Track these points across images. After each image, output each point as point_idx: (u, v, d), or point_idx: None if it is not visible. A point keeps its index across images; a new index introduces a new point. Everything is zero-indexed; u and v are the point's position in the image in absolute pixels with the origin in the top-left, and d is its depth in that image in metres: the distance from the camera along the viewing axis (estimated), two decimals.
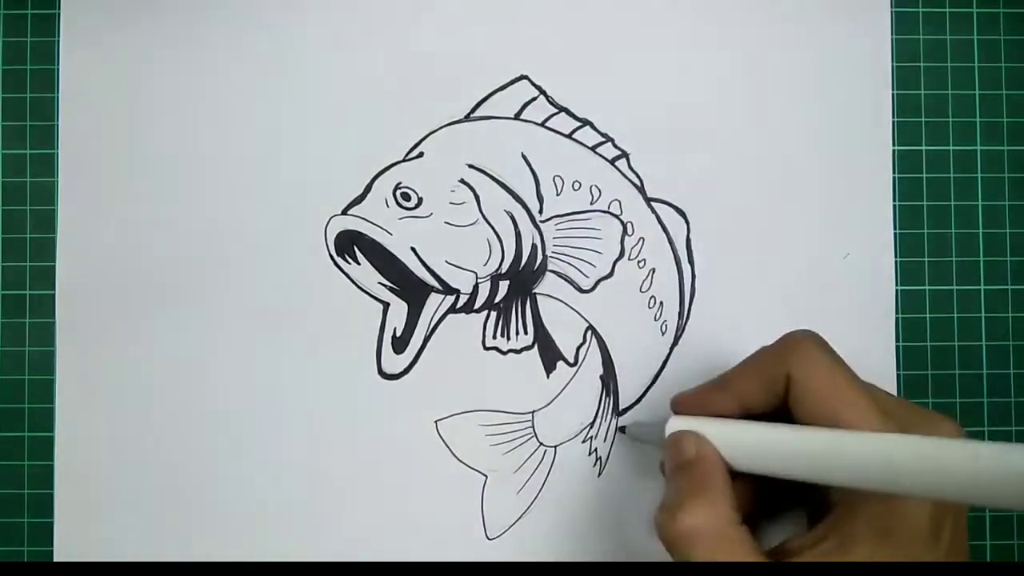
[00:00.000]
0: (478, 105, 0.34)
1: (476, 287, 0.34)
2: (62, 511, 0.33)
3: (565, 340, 0.34)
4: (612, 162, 0.34)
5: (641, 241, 0.34)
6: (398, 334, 0.34)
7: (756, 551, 0.24)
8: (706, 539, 0.25)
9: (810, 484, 0.26)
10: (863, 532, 0.24)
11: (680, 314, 0.34)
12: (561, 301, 0.34)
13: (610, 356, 0.34)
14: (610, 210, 0.34)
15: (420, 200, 0.34)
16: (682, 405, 0.29)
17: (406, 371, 0.34)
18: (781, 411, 0.26)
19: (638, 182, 0.34)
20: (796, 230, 0.34)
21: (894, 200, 0.35)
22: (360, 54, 0.34)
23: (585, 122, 0.34)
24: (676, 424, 0.27)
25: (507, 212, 0.34)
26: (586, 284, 0.34)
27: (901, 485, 0.22)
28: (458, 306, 0.34)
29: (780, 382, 0.26)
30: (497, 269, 0.34)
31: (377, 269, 0.34)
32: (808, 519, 0.29)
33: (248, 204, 0.34)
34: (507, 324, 0.34)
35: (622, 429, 0.33)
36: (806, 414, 0.25)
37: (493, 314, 0.34)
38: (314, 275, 0.34)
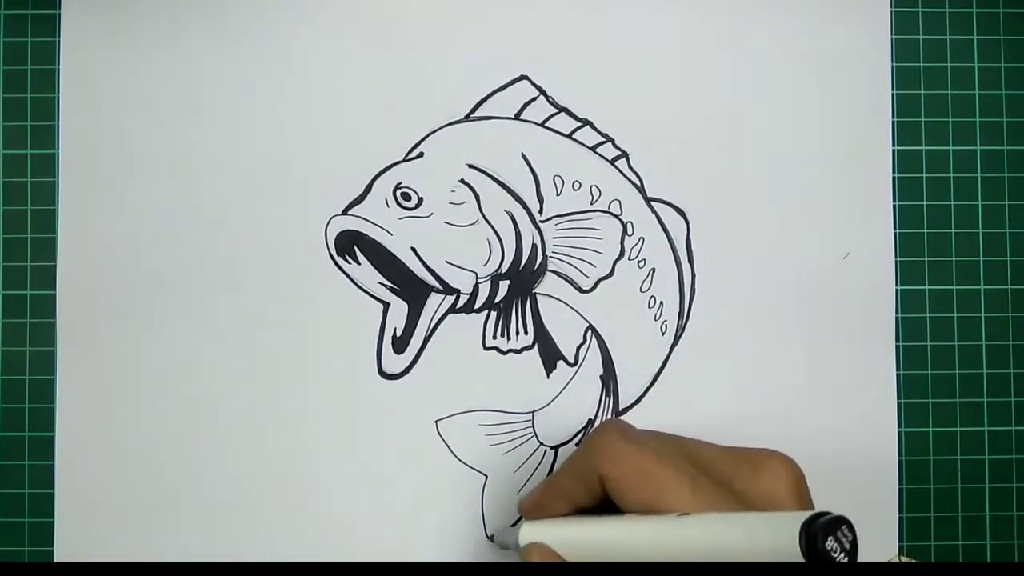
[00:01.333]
0: (478, 105, 0.34)
1: (476, 287, 0.34)
2: (62, 511, 0.33)
3: (565, 340, 0.34)
4: (612, 162, 0.34)
5: (641, 241, 0.34)
6: (398, 334, 0.34)
7: None
8: None
9: None
10: None
11: (680, 314, 0.34)
12: (561, 301, 0.34)
13: (610, 356, 0.34)
14: (610, 210, 0.34)
15: (420, 200, 0.34)
16: (526, 511, 0.29)
17: (406, 371, 0.34)
18: (611, 502, 0.27)
19: (638, 182, 0.34)
20: (796, 230, 0.34)
21: (894, 200, 0.35)
22: (360, 54, 0.34)
23: (585, 122, 0.34)
24: (524, 533, 0.29)
25: (507, 212, 0.34)
26: (586, 284, 0.34)
27: (704, 560, 0.23)
28: (458, 306, 0.34)
29: (595, 480, 0.26)
30: (497, 269, 0.34)
31: (377, 269, 0.34)
32: None
33: (248, 204, 0.34)
34: (507, 324, 0.34)
35: (490, 538, 0.33)
36: (626, 505, 0.26)
37: (493, 314, 0.34)
38: (314, 275, 0.34)
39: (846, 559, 0.20)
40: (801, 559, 0.20)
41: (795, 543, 0.20)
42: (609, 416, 0.34)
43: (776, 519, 0.21)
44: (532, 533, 0.28)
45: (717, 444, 0.27)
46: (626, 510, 0.26)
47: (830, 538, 0.20)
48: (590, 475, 0.26)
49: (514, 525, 0.31)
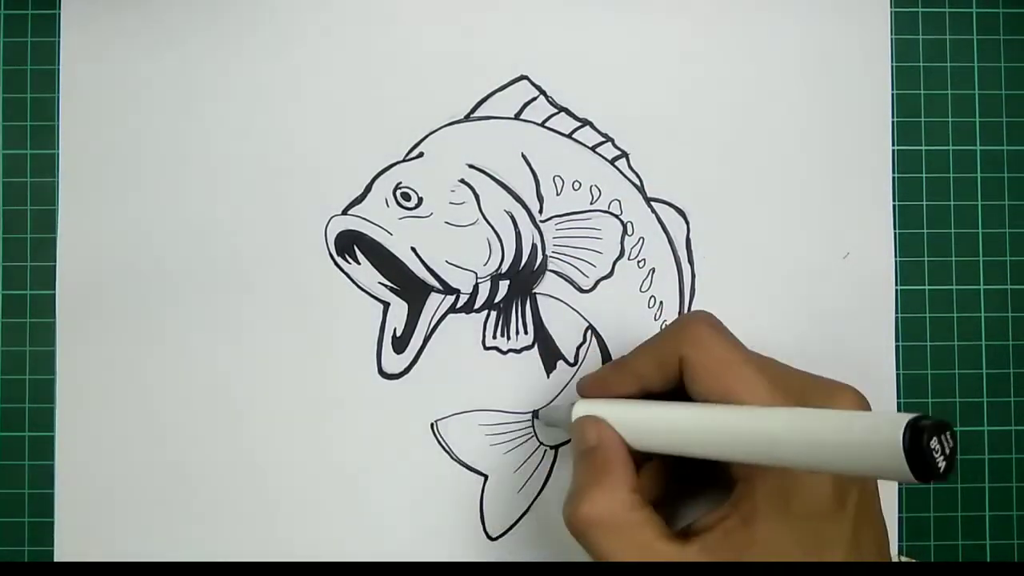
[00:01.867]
0: (478, 105, 0.34)
1: (476, 287, 0.34)
2: (62, 511, 0.33)
3: (565, 340, 0.34)
4: (612, 162, 0.34)
5: (641, 241, 0.34)
6: (398, 334, 0.34)
7: (660, 534, 0.25)
8: (606, 527, 0.25)
9: (715, 463, 0.26)
10: (763, 507, 0.24)
11: (680, 314, 0.34)
12: (561, 301, 0.34)
13: (610, 356, 0.34)
14: (610, 210, 0.34)
15: (420, 200, 0.34)
16: (586, 388, 0.29)
17: (406, 371, 0.34)
18: (680, 391, 0.27)
19: (638, 182, 0.34)
20: (796, 230, 0.34)
21: (894, 200, 0.35)
22: (360, 54, 0.34)
23: (585, 122, 0.34)
24: (580, 409, 0.28)
25: (507, 212, 0.34)
26: (586, 284, 0.34)
27: (785, 459, 0.22)
28: (458, 306, 0.34)
29: (674, 363, 0.26)
30: (497, 269, 0.34)
31: (377, 269, 0.34)
32: (717, 500, 0.29)
33: (248, 204, 0.34)
34: (507, 324, 0.34)
35: (535, 414, 0.33)
36: (700, 393, 0.26)
37: (493, 314, 0.34)
38: (314, 275, 0.34)
39: (945, 464, 0.19)
40: (900, 460, 0.19)
41: (898, 439, 0.19)
42: None
43: (876, 416, 0.20)
44: (588, 409, 0.27)
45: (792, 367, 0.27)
46: (698, 398, 0.25)
47: (934, 439, 0.19)
48: (670, 357, 0.26)
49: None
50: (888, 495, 0.34)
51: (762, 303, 0.34)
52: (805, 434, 0.21)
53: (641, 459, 0.27)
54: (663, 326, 0.34)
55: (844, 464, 0.20)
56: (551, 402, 0.34)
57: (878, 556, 0.25)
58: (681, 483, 0.29)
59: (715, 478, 0.28)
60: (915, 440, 0.19)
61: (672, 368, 0.26)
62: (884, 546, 0.26)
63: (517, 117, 0.34)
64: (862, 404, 0.26)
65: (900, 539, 0.34)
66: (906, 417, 0.19)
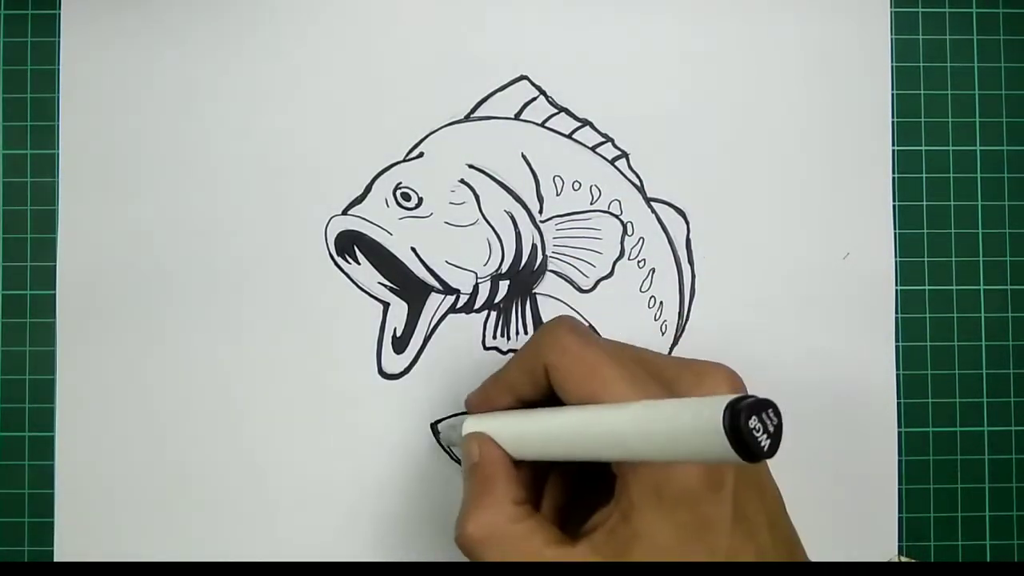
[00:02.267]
0: (478, 105, 0.34)
1: (476, 287, 0.34)
2: (62, 511, 0.33)
3: None
4: (612, 162, 0.34)
5: (641, 241, 0.34)
6: (398, 334, 0.34)
7: (548, 540, 0.25)
8: (490, 542, 0.25)
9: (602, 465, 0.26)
10: (639, 500, 0.24)
11: (680, 314, 0.34)
12: (561, 301, 0.34)
13: None
14: (610, 210, 0.34)
15: (420, 200, 0.34)
16: (472, 404, 0.30)
17: (406, 371, 0.34)
18: (555, 396, 0.27)
19: (638, 182, 0.34)
20: (796, 230, 0.34)
21: (894, 200, 0.35)
22: (360, 54, 0.34)
23: (585, 122, 0.34)
24: (468, 425, 0.28)
25: (507, 212, 0.34)
26: (586, 284, 0.34)
27: (633, 452, 0.22)
28: (458, 306, 0.34)
29: (540, 371, 0.26)
30: (497, 269, 0.34)
31: (377, 269, 0.34)
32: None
33: (248, 204, 0.34)
34: (507, 324, 0.34)
35: (434, 429, 0.33)
36: (568, 397, 0.26)
37: (493, 314, 0.34)
38: (314, 275, 0.34)
39: (769, 442, 0.19)
40: (724, 443, 0.19)
41: (719, 422, 0.19)
42: None
43: (701, 401, 0.20)
44: (475, 425, 0.28)
45: (659, 352, 0.28)
46: (567, 402, 0.26)
47: (754, 418, 0.19)
48: (536, 366, 0.27)
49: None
50: (888, 495, 0.34)
51: (762, 303, 0.34)
52: (646, 426, 0.21)
53: (537, 468, 0.28)
54: (663, 328, 0.34)
55: (682, 451, 0.20)
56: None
57: (769, 527, 0.25)
58: (582, 487, 0.29)
59: (606, 479, 0.28)
60: (734, 422, 0.19)
61: (540, 376, 0.26)
62: (777, 513, 0.26)
63: (517, 117, 0.34)
64: (733, 382, 0.26)
65: (900, 539, 0.34)
66: (725, 399, 0.19)
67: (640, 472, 0.24)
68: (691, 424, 0.20)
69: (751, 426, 0.19)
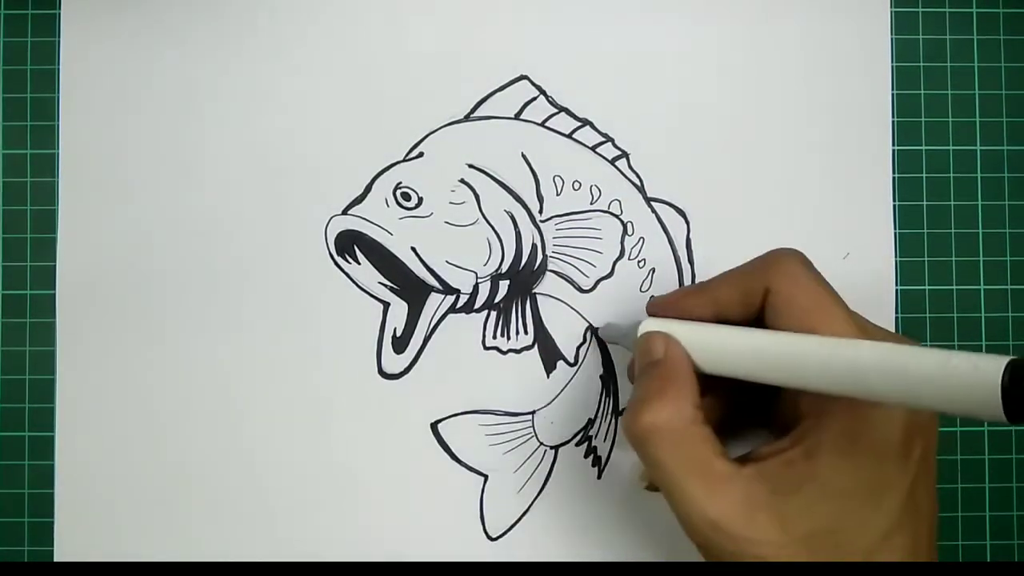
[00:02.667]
0: (478, 105, 0.34)
1: (476, 287, 0.34)
2: (62, 511, 0.33)
3: (565, 340, 0.34)
4: (612, 162, 0.34)
5: (641, 241, 0.34)
6: (398, 334, 0.34)
7: (717, 451, 0.25)
8: (667, 436, 0.25)
9: (778, 398, 0.26)
10: (829, 442, 0.24)
11: None
12: (561, 301, 0.34)
13: (610, 356, 0.34)
14: (610, 210, 0.34)
15: (420, 200, 0.34)
16: (658, 307, 0.29)
17: (406, 371, 0.34)
18: (756, 323, 0.26)
19: (638, 182, 0.34)
20: (796, 230, 0.34)
21: (894, 200, 0.35)
22: (360, 54, 0.34)
23: (585, 122, 0.34)
24: (648, 325, 0.28)
25: (507, 212, 0.34)
26: (586, 284, 0.34)
27: (873, 390, 0.22)
28: (458, 306, 0.34)
29: (758, 293, 0.26)
30: (497, 269, 0.34)
31: (377, 269, 0.34)
32: (773, 434, 0.29)
33: (248, 204, 0.34)
34: (507, 324, 0.34)
35: (595, 331, 0.33)
36: (784, 327, 0.25)
37: (493, 314, 0.34)
38: (314, 275, 0.34)
39: None
40: (996, 398, 0.19)
41: (996, 380, 0.19)
42: (609, 416, 0.34)
43: (974, 356, 0.20)
44: (659, 326, 0.27)
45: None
46: (781, 329, 0.25)
47: None
48: (755, 286, 0.26)
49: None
50: None
51: None
52: (901, 367, 0.21)
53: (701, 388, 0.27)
54: None
55: (937, 400, 0.20)
56: (551, 401, 0.34)
57: (931, 511, 0.25)
58: (736, 417, 0.29)
59: (770, 416, 0.28)
60: (1014, 382, 0.19)
61: (755, 299, 0.26)
62: (935, 505, 0.26)
63: (517, 117, 0.34)
64: None
65: None
66: (1005, 358, 0.19)
67: (836, 414, 0.24)
68: (961, 376, 0.20)
69: None
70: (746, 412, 0.29)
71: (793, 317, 0.25)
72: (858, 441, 0.24)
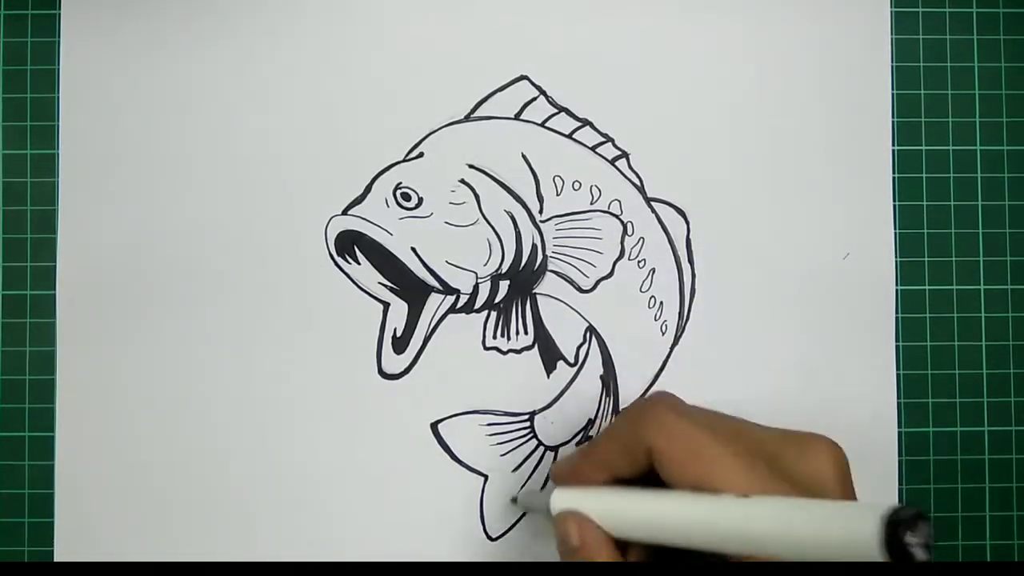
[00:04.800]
0: (478, 105, 0.34)
1: (476, 287, 0.34)
2: (62, 511, 0.33)
3: (565, 340, 0.34)
4: (612, 162, 0.34)
5: (641, 241, 0.34)
6: (398, 334, 0.34)
7: None
8: None
9: None
10: None
11: (680, 314, 0.34)
12: (561, 301, 0.34)
13: (610, 356, 0.34)
14: (610, 210, 0.34)
15: (420, 200, 0.34)
16: (561, 477, 0.29)
17: (406, 371, 0.34)
18: (652, 475, 0.26)
19: (638, 182, 0.34)
20: (796, 230, 0.34)
21: (894, 200, 0.35)
22: (360, 54, 0.34)
23: (585, 122, 0.34)
24: (558, 499, 0.28)
25: (507, 212, 0.34)
26: (586, 284, 0.34)
27: (765, 550, 0.22)
28: (458, 306, 0.34)
29: (642, 452, 0.26)
30: (497, 269, 0.34)
31: (377, 269, 0.34)
32: None
33: (248, 204, 0.34)
34: (507, 324, 0.34)
35: (513, 500, 0.33)
36: (673, 480, 0.25)
37: (493, 314, 0.34)
38: (314, 275, 0.34)
39: (927, 557, 0.19)
40: (876, 552, 0.19)
41: (873, 535, 0.19)
42: (609, 416, 0.34)
43: (851, 508, 0.21)
44: (566, 499, 0.27)
45: (759, 423, 0.27)
46: (673, 486, 0.25)
47: (909, 533, 0.19)
48: (637, 447, 0.26)
49: (541, 490, 0.31)
50: (888, 495, 0.34)
51: (762, 303, 0.34)
52: (786, 526, 0.22)
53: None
54: (663, 328, 0.34)
55: (824, 554, 0.21)
56: (551, 401, 0.34)
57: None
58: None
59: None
60: (892, 536, 0.19)
61: (640, 456, 0.26)
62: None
63: (517, 117, 0.34)
64: (836, 456, 0.25)
65: None
66: (878, 510, 0.19)
67: None
68: (843, 532, 0.20)
69: (908, 540, 0.19)
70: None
71: (679, 472, 0.25)
72: None
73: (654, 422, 0.26)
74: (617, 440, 0.27)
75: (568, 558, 0.27)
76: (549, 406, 0.34)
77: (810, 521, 0.21)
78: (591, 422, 0.34)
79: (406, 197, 0.34)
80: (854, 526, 0.20)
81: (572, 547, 0.26)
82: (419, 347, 0.34)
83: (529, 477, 0.34)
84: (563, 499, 0.27)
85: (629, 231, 0.34)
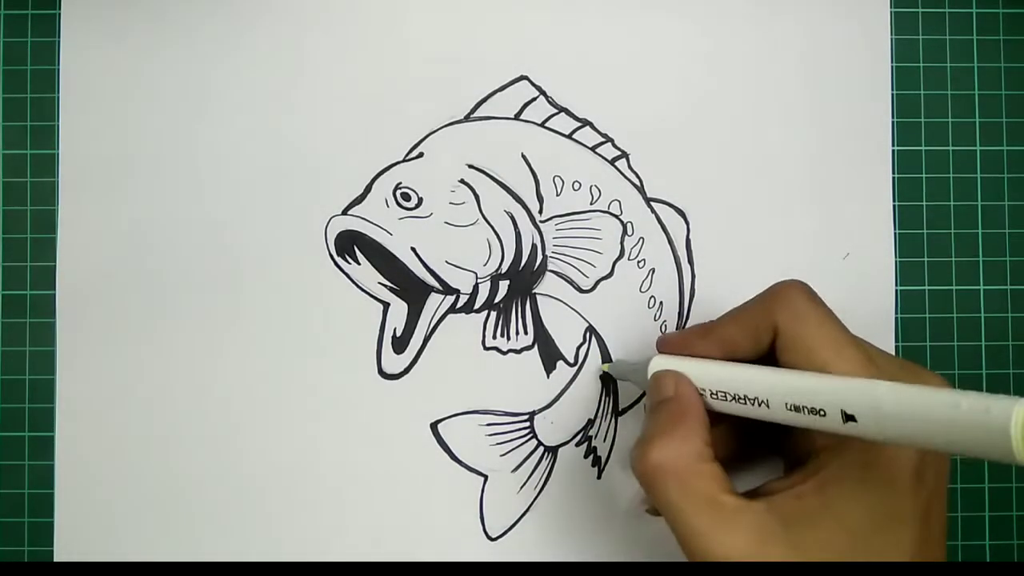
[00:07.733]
0: (478, 105, 0.34)
1: (476, 287, 0.34)
2: (62, 511, 0.33)
3: (565, 340, 0.34)
4: (612, 162, 0.34)
5: (641, 241, 0.34)
6: (398, 334, 0.34)
7: (726, 488, 0.25)
8: (673, 474, 0.25)
9: (792, 433, 0.26)
10: (841, 475, 0.24)
11: (680, 314, 0.34)
12: (561, 301, 0.34)
13: (610, 356, 0.34)
14: (610, 210, 0.34)
15: (420, 200, 0.34)
16: (667, 346, 0.29)
17: (406, 371, 0.34)
18: (765, 360, 0.26)
19: (638, 182, 0.34)
20: (796, 230, 0.34)
21: (894, 200, 0.35)
22: (360, 54, 0.34)
23: (585, 122, 0.34)
24: (659, 363, 0.28)
25: (507, 212, 0.34)
26: (586, 284, 0.34)
27: (884, 432, 0.22)
28: (458, 306, 0.34)
29: (766, 331, 0.26)
30: (497, 269, 0.34)
31: (377, 269, 0.34)
32: (785, 467, 0.29)
33: (248, 204, 0.34)
34: (507, 324, 0.34)
35: (605, 365, 0.33)
36: (793, 364, 0.25)
37: (493, 314, 0.34)
38: (314, 275, 0.34)
39: None
40: (1007, 442, 0.19)
41: (1008, 420, 0.19)
42: (609, 416, 0.34)
43: (986, 397, 0.20)
44: (668, 364, 0.27)
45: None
46: (790, 367, 0.25)
47: None
48: (763, 324, 0.26)
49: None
50: None
51: None
52: (911, 408, 0.21)
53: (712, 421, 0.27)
54: (663, 328, 0.34)
55: (947, 442, 0.20)
56: (551, 401, 0.34)
57: (942, 536, 0.25)
58: (749, 449, 0.29)
59: (782, 449, 0.28)
60: None
61: (764, 337, 0.26)
62: (945, 529, 0.26)
63: (517, 117, 0.34)
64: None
65: None
66: (1015, 402, 0.19)
67: (849, 448, 0.24)
68: (972, 417, 0.20)
69: None
70: (760, 444, 0.29)
71: (801, 355, 0.25)
72: (871, 472, 0.24)
73: (786, 303, 0.26)
74: (743, 318, 0.27)
75: (660, 409, 0.26)
76: (549, 406, 0.34)
77: (942, 403, 0.21)
78: (591, 422, 0.34)
79: (406, 197, 0.34)
80: (991, 410, 0.19)
81: (665, 396, 0.26)
82: (419, 347, 0.34)
83: (529, 477, 0.34)
84: (664, 363, 0.27)
85: (629, 231, 0.34)
